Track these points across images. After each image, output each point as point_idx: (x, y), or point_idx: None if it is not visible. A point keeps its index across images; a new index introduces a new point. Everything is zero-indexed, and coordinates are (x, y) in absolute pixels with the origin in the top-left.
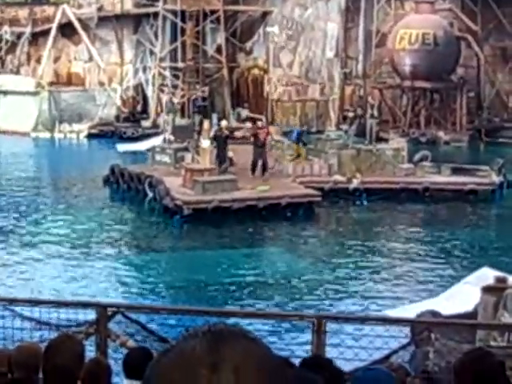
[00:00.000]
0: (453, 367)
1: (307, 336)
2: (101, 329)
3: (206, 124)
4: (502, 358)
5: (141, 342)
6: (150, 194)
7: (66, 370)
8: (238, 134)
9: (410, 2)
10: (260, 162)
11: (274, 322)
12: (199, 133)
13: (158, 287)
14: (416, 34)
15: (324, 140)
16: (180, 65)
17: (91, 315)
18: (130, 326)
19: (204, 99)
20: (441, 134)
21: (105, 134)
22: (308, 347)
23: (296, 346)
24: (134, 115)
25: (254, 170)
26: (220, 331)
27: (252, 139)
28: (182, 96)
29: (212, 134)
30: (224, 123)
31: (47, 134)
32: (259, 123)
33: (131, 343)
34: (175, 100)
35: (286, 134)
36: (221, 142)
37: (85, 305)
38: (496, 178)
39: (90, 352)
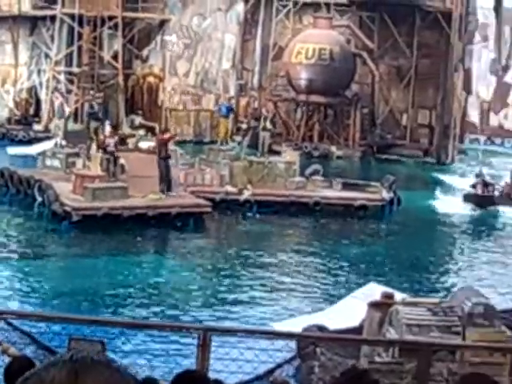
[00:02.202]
0: None
1: (193, 348)
2: None
3: (107, 129)
4: (386, 374)
5: (23, 350)
6: (39, 199)
7: None
8: (143, 146)
9: (309, 16)
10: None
11: (159, 333)
12: (92, 139)
13: (44, 294)
14: (313, 49)
15: (217, 150)
16: (75, 69)
17: None
18: (13, 333)
19: (100, 105)
20: (333, 148)
21: None
22: (194, 361)
23: (181, 358)
24: (27, 118)
25: (168, 186)
26: (82, 360)
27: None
28: (76, 101)
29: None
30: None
31: None
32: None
33: (13, 351)
34: (67, 108)
35: (179, 143)
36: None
37: None
38: (386, 195)
39: None
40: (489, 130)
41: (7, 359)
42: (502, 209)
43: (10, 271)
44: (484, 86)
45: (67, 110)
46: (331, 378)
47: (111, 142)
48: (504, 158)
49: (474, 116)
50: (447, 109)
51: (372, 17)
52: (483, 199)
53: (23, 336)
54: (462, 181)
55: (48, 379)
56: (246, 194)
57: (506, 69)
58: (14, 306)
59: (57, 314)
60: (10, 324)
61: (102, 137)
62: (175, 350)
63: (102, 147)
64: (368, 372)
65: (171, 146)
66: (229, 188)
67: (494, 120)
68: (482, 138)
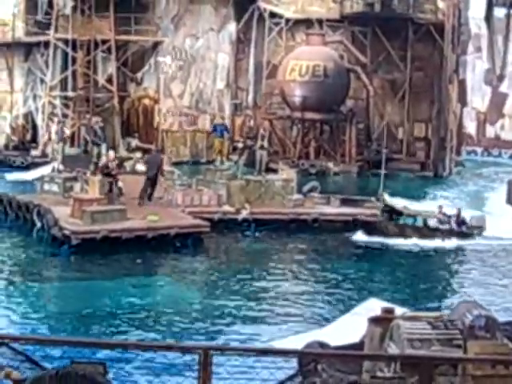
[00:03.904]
0: None
1: (194, 367)
2: None
3: (111, 153)
4: None
5: (26, 374)
6: (39, 224)
7: None
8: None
9: (301, 33)
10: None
11: (160, 354)
12: (96, 164)
13: (45, 318)
14: (306, 66)
15: (213, 170)
16: (70, 94)
17: None
18: (15, 357)
19: (101, 129)
20: (330, 165)
21: None
22: (195, 381)
23: (182, 378)
24: (24, 144)
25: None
26: (67, 375)
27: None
28: (73, 125)
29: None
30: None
31: None
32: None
33: (16, 375)
34: (66, 130)
35: (176, 164)
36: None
37: None
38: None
39: None
40: (485, 141)
41: None
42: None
43: (10, 295)
44: (479, 97)
45: (67, 132)
46: None
47: (114, 165)
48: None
49: (470, 127)
50: (443, 121)
51: (364, 31)
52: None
53: (25, 360)
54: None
55: None
56: (244, 213)
57: (500, 78)
58: (15, 329)
59: (58, 338)
60: (11, 348)
61: (105, 161)
62: (176, 370)
63: (107, 171)
64: None
65: (168, 167)
66: (226, 207)
67: (490, 131)
68: (479, 150)
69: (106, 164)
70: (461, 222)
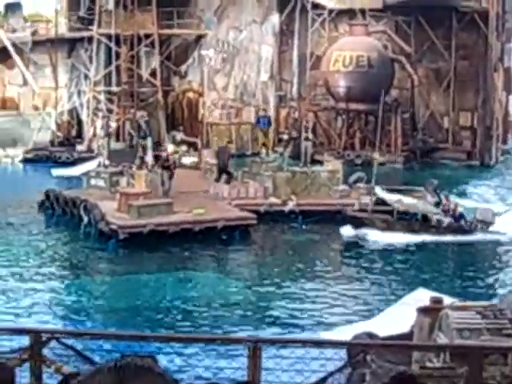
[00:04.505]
0: None
1: (243, 360)
2: (35, 355)
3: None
4: (438, 379)
5: (76, 368)
6: (85, 219)
7: None
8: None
9: (344, 24)
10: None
11: (209, 347)
12: (142, 158)
13: (94, 312)
14: (350, 57)
15: (259, 162)
16: (114, 89)
17: (25, 341)
18: (65, 351)
19: (147, 123)
20: (376, 155)
21: (40, 159)
22: (244, 372)
23: (232, 370)
24: (69, 139)
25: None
26: (126, 366)
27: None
28: (117, 120)
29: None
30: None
31: None
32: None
33: (66, 369)
34: (112, 124)
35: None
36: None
37: (19, 331)
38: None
39: (25, 378)
40: None
41: (60, 378)
42: None
43: (59, 290)
44: None
45: (113, 125)
46: (382, 383)
47: (174, 159)
48: None
49: None
50: (489, 110)
51: (408, 21)
52: None
53: (75, 354)
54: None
55: None
56: (291, 205)
57: None
58: (64, 324)
59: (107, 332)
60: (61, 343)
61: (164, 154)
62: (225, 362)
63: (167, 165)
64: (416, 377)
65: (212, 160)
66: (273, 199)
67: None
68: None
69: (166, 157)
70: (458, 216)
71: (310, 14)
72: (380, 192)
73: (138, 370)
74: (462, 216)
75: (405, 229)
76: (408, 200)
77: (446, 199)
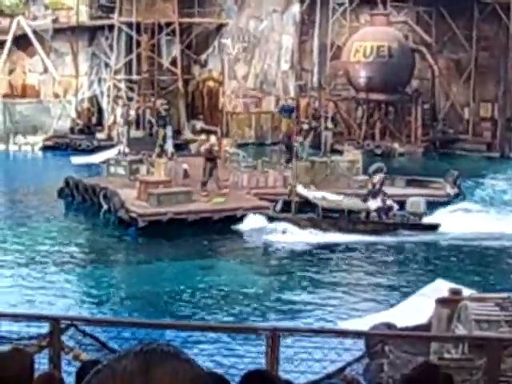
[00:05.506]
0: (401, 382)
1: (261, 349)
2: (54, 342)
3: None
4: (456, 371)
5: (94, 355)
6: (105, 206)
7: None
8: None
9: (365, 14)
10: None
11: (227, 335)
12: (162, 146)
13: (112, 300)
14: (371, 47)
15: (279, 152)
16: (135, 77)
17: (44, 328)
18: (84, 339)
19: (167, 111)
20: (396, 145)
21: (60, 147)
22: (262, 360)
23: (250, 359)
24: (89, 127)
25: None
26: (152, 351)
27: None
28: (138, 108)
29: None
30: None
31: (1, 147)
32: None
33: (84, 356)
34: (131, 112)
35: (241, 145)
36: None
37: (38, 318)
38: (451, 190)
39: (43, 365)
40: None
41: (79, 365)
42: None
43: (78, 278)
44: None
45: (132, 113)
46: (401, 375)
47: (216, 150)
48: None
49: None
50: (509, 101)
51: (429, 11)
52: None
53: (94, 342)
54: None
55: (119, 370)
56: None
57: None
58: (83, 312)
59: (126, 319)
60: (80, 330)
61: (208, 146)
62: (244, 351)
63: (211, 157)
64: (440, 367)
65: (231, 149)
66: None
67: None
68: None
69: (209, 149)
70: (387, 209)
71: (330, 3)
72: (301, 190)
73: (165, 355)
74: (390, 208)
75: (331, 227)
76: (333, 197)
77: (379, 184)
